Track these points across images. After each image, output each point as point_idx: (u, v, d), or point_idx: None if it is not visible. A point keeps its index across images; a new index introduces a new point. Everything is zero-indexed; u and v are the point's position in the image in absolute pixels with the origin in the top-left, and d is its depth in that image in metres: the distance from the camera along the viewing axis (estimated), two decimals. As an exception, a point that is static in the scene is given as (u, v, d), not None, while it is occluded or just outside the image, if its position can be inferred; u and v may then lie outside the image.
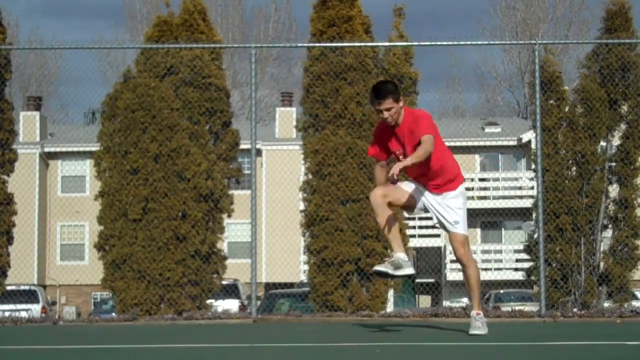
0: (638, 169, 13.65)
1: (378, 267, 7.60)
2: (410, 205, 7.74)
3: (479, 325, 7.61)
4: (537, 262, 12.99)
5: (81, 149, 38.09)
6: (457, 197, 7.72)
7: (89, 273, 36.50)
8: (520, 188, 38.51)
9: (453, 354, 6.11)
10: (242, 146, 14.32)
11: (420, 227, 38.47)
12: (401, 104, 7.54)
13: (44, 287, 36.87)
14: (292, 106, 42.24)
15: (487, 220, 40.07)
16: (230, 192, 13.94)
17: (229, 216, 13.97)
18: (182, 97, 13.85)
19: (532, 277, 13.60)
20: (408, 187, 7.71)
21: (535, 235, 13.34)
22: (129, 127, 13.75)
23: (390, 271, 7.52)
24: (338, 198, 13.56)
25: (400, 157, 7.58)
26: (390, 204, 7.62)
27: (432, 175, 7.63)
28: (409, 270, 7.61)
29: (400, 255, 7.61)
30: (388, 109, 7.45)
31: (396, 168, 7.27)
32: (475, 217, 39.51)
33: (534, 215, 13.55)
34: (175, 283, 13.46)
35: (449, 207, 7.68)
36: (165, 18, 14.20)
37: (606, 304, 13.35)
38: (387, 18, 14.19)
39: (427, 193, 7.72)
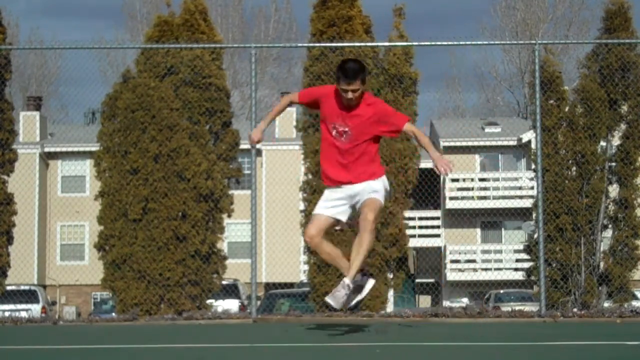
0: (638, 169, 13.65)
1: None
2: (340, 224, 7.78)
3: (342, 295, 7.37)
4: (537, 262, 12.99)
5: (81, 149, 38.09)
6: (378, 182, 7.59)
7: (89, 273, 36.50)
8: (520, 188, 38.51)
9: (453, 354, 6.11)
10: (242, 146, 14.32)
11: (420, 227, 38.51)
12: (365, 86, 7.53)
13: (44, 287, 36.87)
14: (292, 106, 42.20)
15: (487, 220, 40.07)
16: (230, 192, 13.94)
17: (229, 216, 13.97)
18: (182, 97, 13.85)
19: (532, 277, 13.60)
20: (329, 210, 7.61)
21: (535, 235, 13.34)
22: (128, 127, 13.75)
23: (359, 297, 7.47)
24: (338, 198, 13.55)
25: (334, 131, 7.47)
26: (326, 233, 7.60)
27: (363, 163, 7.51)
28: (370, 284, 7.55)
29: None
30: (355, 90, 7.40)
31: (445, 165, 7.49)
32: (475, 217, 39.52)
33: (534, 215, 13.55)
34: (175, 283, 13.46)
35: (370, 183, 7.53)
36: (165, 18, 14.20)
37: (606, 304, 13.35)
38: (387, 18, 14.20)
39: (347, 192, 7.57)
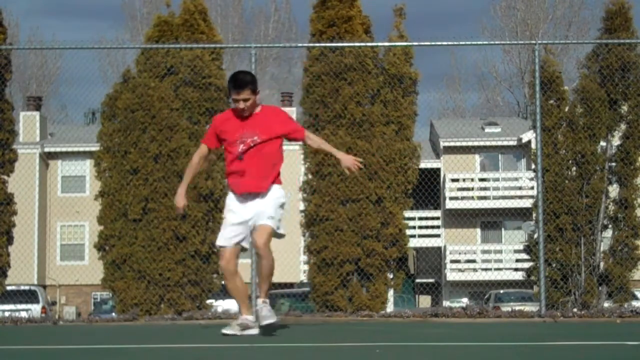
0: (638, 169, 13.65)
1: (225, 330, 7.64)
2: (243, 248, 7.90)
3: (268, 315, 7.65)
4: (537, 262, 13.00)
5: (81, 149, 38.11)
6: (279, 194, 7.77)
7: (89, 273, 36.50)
8: (520, 188, 38.53)
9: (453, 354, 6.11)
10: (242, 146, 14.30)
11: (420, 227, 38.51)
12: (258, 96, 7.72)
13: (44, 287, 36.87)
14: (292, 106, 42.24)
15: (487, 220, 40.08)
16: (230, 192, 13.93)
17: (229, 216, 13.94)
18: (182, 97, 13.86)
19: (532, 277, 13.60)
20: (232, 239, 7.73)
21: (535, 235, 13.35)
22: (128, 127, 13.76)
23: (238, 332, 7.59)
24: (338, 198, 13.56)
25: (240, 146, 7.60)
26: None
27: (266, 171, 7.67)
28: (255, 331, 7.66)
29: (248, 317, 7.72)
30: (245, 100, 7.57)
31: (351, 163, 7.75)
32: (475, 217, 39.53)
33: (534, 215, 13.55)
34: (175, 283, 13.46)
35: (272, 200, 7.71)
36: (165, 18, 14.21)
37: (606, 304, 13.35)
38: (387, 18, 14.20)
39: (248, 209, 7.71)
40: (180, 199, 8.03)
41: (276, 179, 7.79)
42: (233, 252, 7.75)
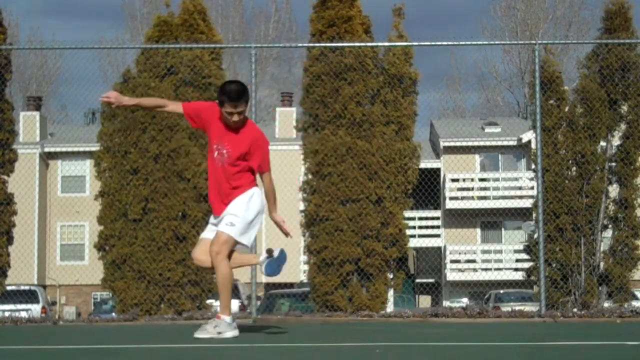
0: (638, 169, 13.65)
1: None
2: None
3: (209, 329, 7.34)
4: (537, 262, 13.00)
5: (81, 149, 38.11)
6: (246, 201, 7.48)
7: (89, 273, 36.50)
8: (520, 188, 38.52)
9: (453, 354, 6.11)
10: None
11: (420, 227, 38.52)
12: (247, 107, 7.51)
13: (44, 287, 36.88)
14: (292, 106, 42.26)
15: (487, 220, 40.08)
16: (230, 192, 13.93)
17: (229, 216, 13.94)
18: (182, 97, 13.85)
19: (532, 277, 13.61)
20: (210, 233, 7.63)
21: (535, 235, 13.35)
22: (128, 127, 13.76)
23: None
24: (338, 198, 13.57)
25: (216, 152, 7.47)
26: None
27: (233, 187, 7.50)
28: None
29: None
30: (240, 113, 7.37)
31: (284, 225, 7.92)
32: (475, 217, 39.54)
33: (534, 215, 13.56)
34: (175, 283, 13.47)
35: (236, 207, 7.45)
36: (165, 18, 14.21)
37: (606, 304, 13.35)
38: (387, 18, 14.21)
39: (217, 218, 7.61)
40: (116, 95, 7.93)
41: (244, 187, 7.50)
42: (205, 247, 7.58)
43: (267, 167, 7.65)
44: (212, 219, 7.72)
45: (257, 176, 7.67)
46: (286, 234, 7.95)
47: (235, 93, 7.34)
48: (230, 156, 7.46)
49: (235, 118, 7.38)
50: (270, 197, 7.75)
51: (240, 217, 7.44)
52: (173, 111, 7.84)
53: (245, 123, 7.52)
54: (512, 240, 37.77)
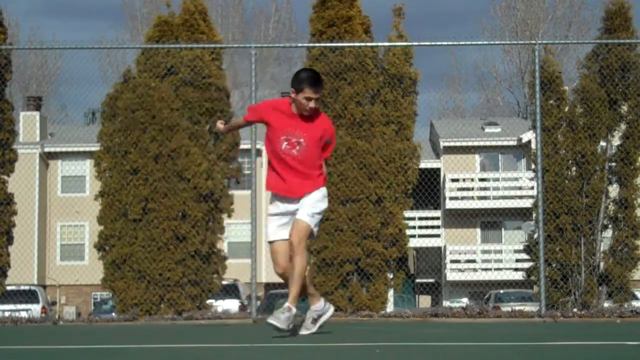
0: (638, 169, 13.65)
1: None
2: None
3: (282, 319, 7.29)
4: (537, 262, 12.99)
5: (81, 149, 38.10)
6: (321, 199, 7.49)
7: (89, 273, 36.49)
8: (520, 188, 38.51)
9: (453, 354, 6.11)
10: (242, 146, 14.33)
11: (420, 227, 38.51)
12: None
13: (44, 287, 36.87)
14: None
15: (487, 220, 40.07)
16: (230, 192, 13.95)
17: (229, 216, 13.97)
18: (182, 97, 13.86)
19: (532, 277, 13.61)
20: (280, 233, 7.51)
21: (535, 235, 13.35)
22: (129, 127, 13.76)
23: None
24: (338, 198, 13.57)
25: (285, 143, 7.38)
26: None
27: (310, 175, 7.46)
28: (328, 313, 7.57)
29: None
30: (318, 99, 7.42)
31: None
32: (475, 217, 39.53)
33: (534, 215, 13.55)
34: (175, 283, 13.46)
35: (314, 198, 7.44)
36: (165, 18, 14.21)
37: (606, 304, 13.35)
38: (387, 18, 14.20)
39: (289, 208, 7.50)
40: (220, 124, 7.95)
41: (318, 180, 7.52)
42: (285, 251, 7.45)
43: (330, 150, 7.74)
44: (276, 209, 7.53)
45: None
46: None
47: (315, 79, 7.38)
48: (307, 144, 7.42)
49: (313, 104, 7.37)
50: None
51: (318, 211, 7.46)
52: (244, 126, 7.97)
53: (317, 111, 7.53)
54: (512, 240, 37.76)
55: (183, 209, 13.55)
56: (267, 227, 7.62)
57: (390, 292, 14.37)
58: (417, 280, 39.67)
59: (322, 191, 7.54)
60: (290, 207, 7.50)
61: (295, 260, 7.37)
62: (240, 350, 6.54)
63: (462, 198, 39.53)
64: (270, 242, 7.56)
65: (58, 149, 40.50)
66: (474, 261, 38.64)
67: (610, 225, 13.65)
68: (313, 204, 7.45)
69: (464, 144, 39.78)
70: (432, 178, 31.14)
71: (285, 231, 7.48)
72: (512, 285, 27.65)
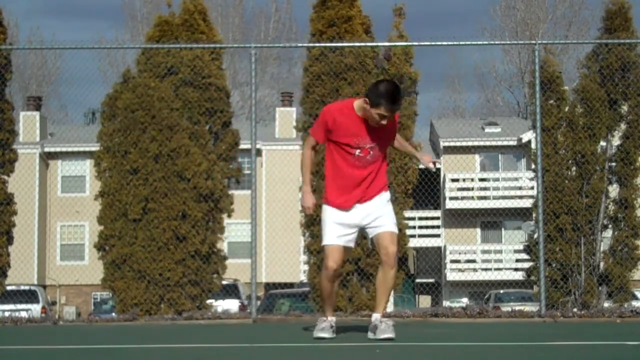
0: (638, 169, 13.65)
1: (322, 334, 7.36)
2: (349, 253, 7.55)
3: (387, 329, 7.20)
4: (537, 262, 12.99)
5: (81, 149, 38.12)
6: (389, 203, 7.37)
7: (89, 273, 36.50)
8: (520, 188, 38.52)
9: (453, 354, 6.11)
10: (242, 146, 14.32)
11: (420, 227, 38.53)
12: None
13: (44, 287, 36.87)
14: (292, 106, 42.25)
15: (487, 220, 40.08)
16: (230, 192, 13.94)
17: (229, 216, 13.97)
18: (182, 97, 13.86)
19: (532, 277, 13.60)
20: (340, 238, 7.31)
21: (535, 235, 13.34)
22: (128, 127, 13.76)
23: (332, 335, 7.33)
24: (338, 198, 13.55)
25: (357, 151, 7.10)
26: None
27: (377, 177, 7.25)
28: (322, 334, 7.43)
29: (333, 319, 7.55)
30: (391, 117, 7.09)
31: (429, 159, 7.42)
32: (475, 217, 39.54)
33: (534, 215, 13.55)
34: (175, 283, 13.46)
35: (386, 206, 7.26)
36: (165, 18, 14.21)
37: (606, 304, 13.35)
38: (387, 18, 14.20)
39: (357, 212, 7.27)
40: (309, 198, 7.38)
41: (385, 178, 7.33)
42: (339, 256, 7.29)
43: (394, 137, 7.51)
44: (338, 218, 7.28)
45: None
46: (430, 166, 7.52)
47: (395, 96, 6.99)
48: (377, 152, 7.19)
49: (384, 122, 7.05)
50: (406, 145, 7.83)
51: (394, 217, 7.27)
52: (314, 146, 7.37)
53: None
54: (512, 240, 37.77)
55: (183, 209, 13.55)
56: (325, 229, 7.32)
57: (391, 292, 14.35)
58: (417, 280, 39.68)
59: (388, 195, 7.33)
60: (355, 218, 7.24)
61: (391, 273, 7.19)
62: (240, 350, 6.54)
63: (462, 198, 39.53)
64: (327, 245, 7.32)
65: (58, 149, 40.51)
66: (474, 261, 38.65)
67: (610, 225, 13.65)
68: (390, 210, 7.24)
69: (464, 144, 39.79)
70: (432, 178, 31.15)
71: (344, 240, 7.27)
72: (512, 285, 27.66)
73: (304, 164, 7.39)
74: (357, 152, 7.13)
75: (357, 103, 7.17)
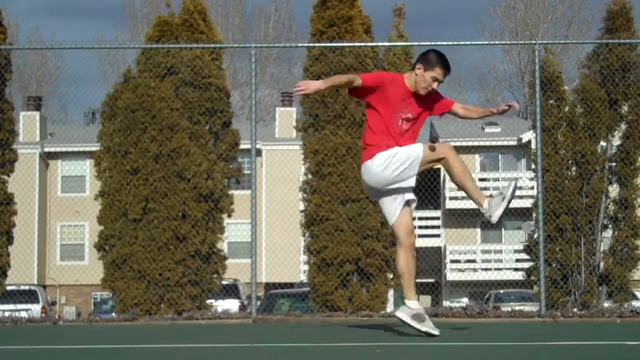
0: (638, 169, 13.65)
1: (403, 317, 7.35)
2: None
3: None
4: (537, 262, 12.99)
5: (81, 149, 38.11)
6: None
7: (89, 273, 36.51)
8: (520, 188, 38.48)
9: (453, 354, 6.11)
10: (242, 146, 14.33)
11: (420, 227, 38.51)
12: None
13: (44, 287, 36.87)
14: (292, 106, 42.24)
15: (487, 220, 40.05)
16: (230, 192, 13.95)
17: (229, 216, 13.97)
18: (182, 97, 13.86)
19: (532, 277, 13.60)
20: (399, 203, 7.58)
21: (535, 235, 13.34)
22: (129, 127, 13.76)
23: (416, 325, 7.28)
24: (338, 198, 13.57)
25: (400, 120, 7.29)
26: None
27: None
28: (433, 331, 7.27)
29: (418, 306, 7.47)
30: (441, 82, 7.37)
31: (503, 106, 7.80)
32: (475, 217, 39.51)
33: (534, 215, 13.55)
34: (175, 283, 13.46)
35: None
36: (165, 18, 14.21)
37: (606, 304, 13.35)
38: (387, 18, 14.21)
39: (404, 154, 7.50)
40: (314, 82, 7.31)
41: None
42: (409, 221, 7.53)
43: (450, 103, 7.64)
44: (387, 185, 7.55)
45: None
46: (516, 104, 7.82)
47: (448, 64, 7.33)
48: (418, 122, 7.42)
49: (435, 86, 7.34)
50: (474, 108, 7.94)
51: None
52: (356, 85, 7.28)
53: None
54: (512, 240, 37.76)
55: (183, 209, 13.55)
56: (386, 208, 7.65)
57: (390, 292, 14.37)
58: (417, 280, 39.60)
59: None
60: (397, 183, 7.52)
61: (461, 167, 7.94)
62: (240, 350, 6.54)
63: (462, 198, 39.46)
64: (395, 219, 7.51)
65: (58, 149, 40.50)
66: (474, 261, 38.64)
67: (610, 225, 13.65)
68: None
69: (464, 144, 39.77)
70: (432, 178, 31.14)
71: (399, 202, 7.54)
72: (512, 285, 27.65)
73: (336, 76, 7.49)
74: (400, 121, 7.35)
75: (407, 75, 7.44)
